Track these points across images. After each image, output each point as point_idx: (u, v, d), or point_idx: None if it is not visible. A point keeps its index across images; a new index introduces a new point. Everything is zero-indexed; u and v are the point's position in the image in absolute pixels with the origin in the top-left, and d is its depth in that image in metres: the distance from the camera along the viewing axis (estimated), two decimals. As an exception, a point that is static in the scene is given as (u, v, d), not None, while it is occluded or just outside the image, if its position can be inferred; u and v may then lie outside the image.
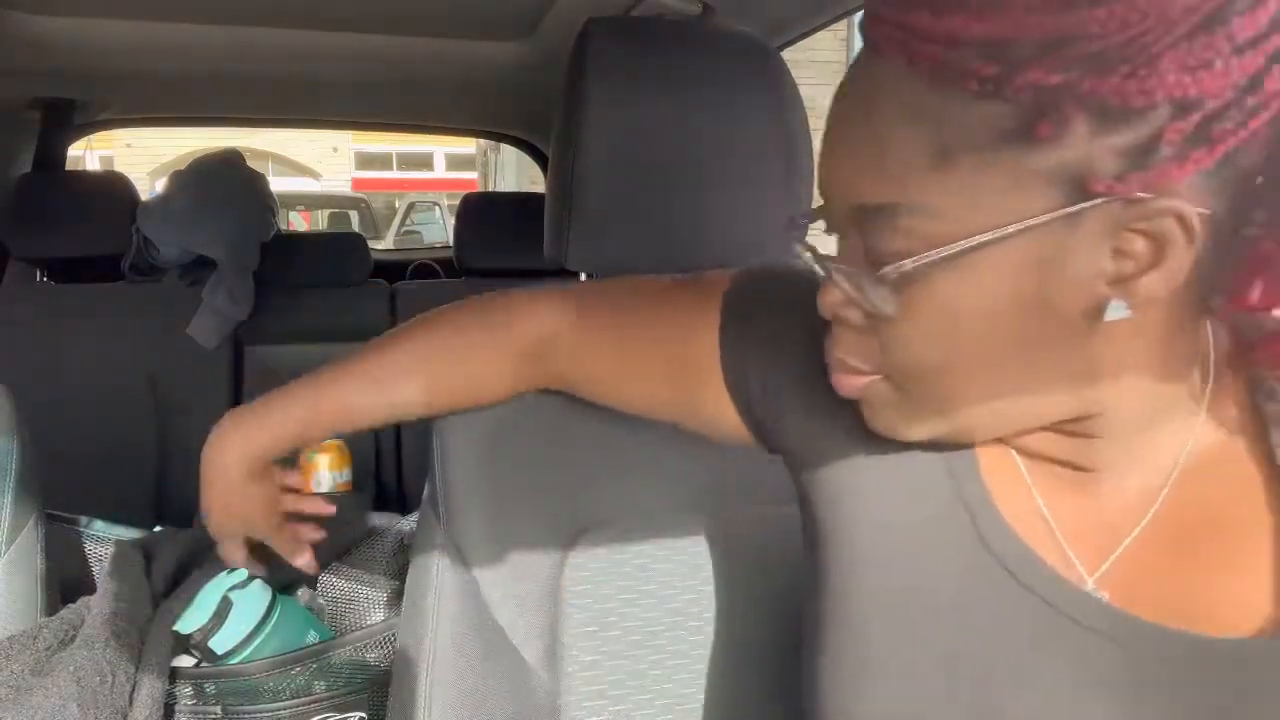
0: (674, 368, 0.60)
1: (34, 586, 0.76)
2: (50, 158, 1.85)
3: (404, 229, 8.70)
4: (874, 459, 0.51)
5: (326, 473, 1.57)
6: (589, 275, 0.80)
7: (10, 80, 1.60)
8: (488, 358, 0.66)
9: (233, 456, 0.66)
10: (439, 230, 8.30)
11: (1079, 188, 0.37)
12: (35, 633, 0.70)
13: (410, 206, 9.56)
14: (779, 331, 0.56)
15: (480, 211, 2.00)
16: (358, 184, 14.67)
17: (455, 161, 15.67)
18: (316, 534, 0.76)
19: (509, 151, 7.97)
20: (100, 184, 1.80)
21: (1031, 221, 0.38)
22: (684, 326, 0.60)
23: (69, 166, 2.00)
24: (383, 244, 7.15)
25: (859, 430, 0.49)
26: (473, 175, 14.11)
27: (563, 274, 0.81)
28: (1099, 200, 0.37)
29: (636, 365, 0.62)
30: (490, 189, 9.43)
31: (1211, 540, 0.44)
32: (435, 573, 0.68)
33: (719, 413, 0.59)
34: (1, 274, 1.81)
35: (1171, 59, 0.34)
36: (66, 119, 1.86)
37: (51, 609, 0.78)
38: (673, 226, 0.75)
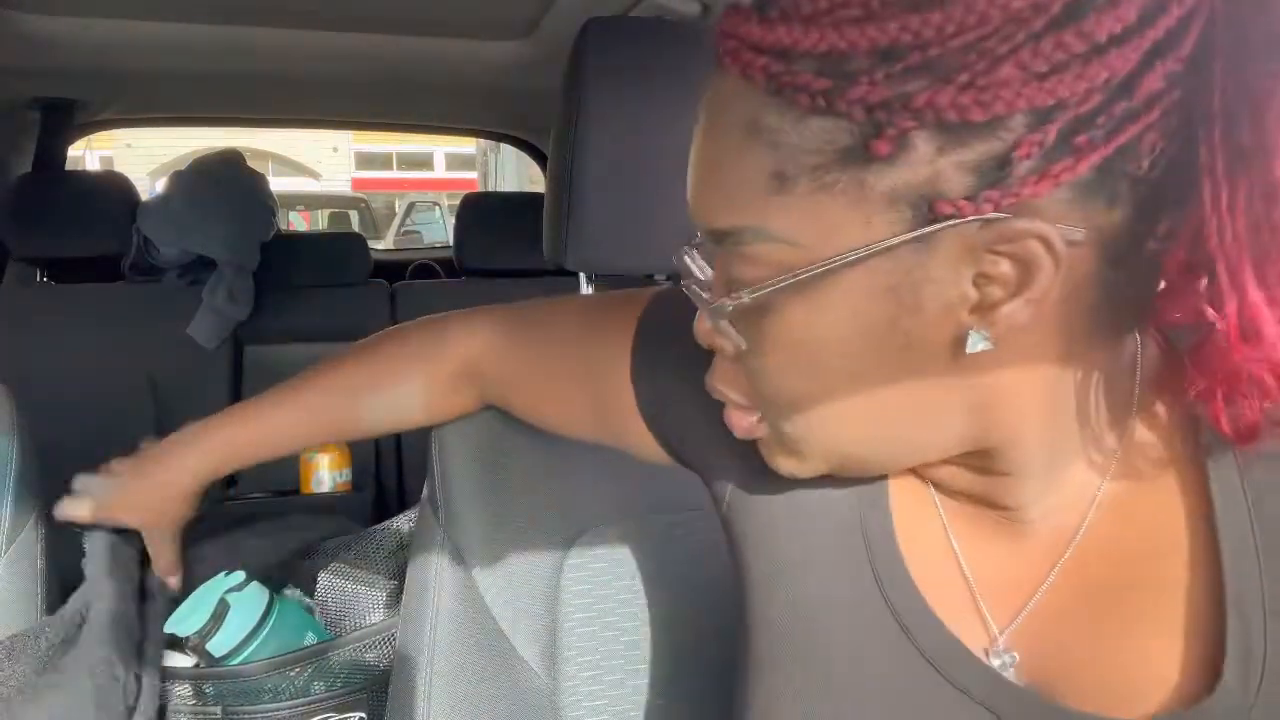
0: (592, 398, 0.59)
1: (34, 586, 0.76)
2: (50, 158, 1.85)
3: (404, 229, 8.70)
4: (782, 490, 0.48)
5: (326, 473, 1.58)
6: (588, 275, 0.80)
7: (10, 80, 1.60)
8: (417, 381, 0.66)
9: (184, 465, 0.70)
10: (439, 230, 8.30)
11: (927, 209, 0.33)
12: (38, 632, 0.70)
13: (410, 206, 9.56)
14: (689, 359, 0.51)
15: (480, 211, 2.00)
16: (358, 184, 14.68)
17: (455, 161, 15.67)
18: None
19: (509, 151, 7.97)
20: (100, 184, 1.80)
21: (876, 246, 0.34)
22: (600, 359, 0.58)
23: (69, 166, 2.00)
24: (383, 244, 7.15)
25: (763, 468, 0.46)
26: (473, 175, 14.10)
27: (562, 274, 0.81)
28: (949, 222, 0.33)
29: (557, 394, 0.62)
30: (490, 189, 9.42)
31: (1126, 592, 0.40)
32: (434, 573, 0.68)
33: (641, 441, 0.57)
34: (1, 274, 1.81)
35: (1015, 65, 0.31)
36: (66, 119, 1.86)
37: (51, 609, 0.78)
38: (672, 227, 0.75)
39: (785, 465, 0.44)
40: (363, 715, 0.78)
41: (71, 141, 2.01)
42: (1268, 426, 0.36)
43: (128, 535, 0.74)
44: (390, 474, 1.83)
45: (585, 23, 0.74)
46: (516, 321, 0.65)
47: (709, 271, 0.42)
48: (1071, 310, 0.36)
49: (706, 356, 0.48)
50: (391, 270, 2.23)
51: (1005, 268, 0.34)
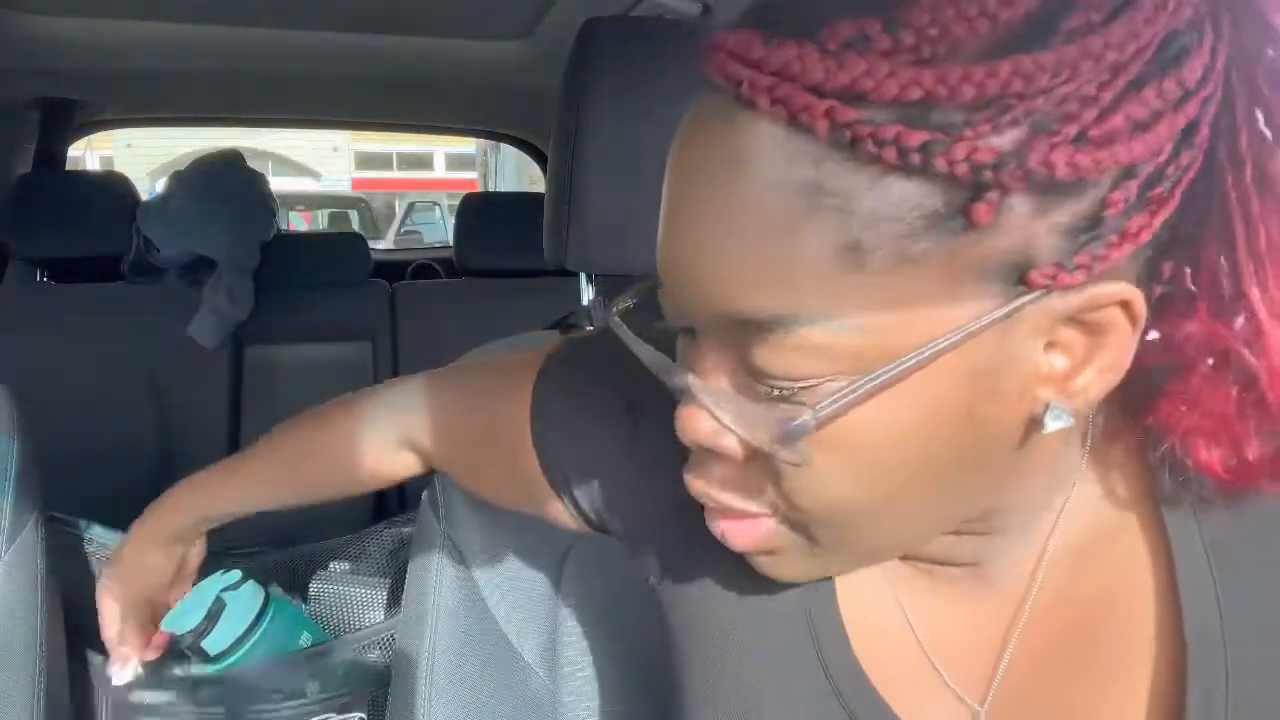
0: (508, 470, 0.55)
1: (34, 587, 0.76)
2: (50, 158, 1.85)
3: (404, 229, 8.70)
4: (719, 564, 0.42)
5: (326, 473, 1.57)
6: (589, 275, 0.80)
7: (10, 80, 1.60)
8: (365, 451, 0.66)
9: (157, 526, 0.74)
10: (439, 230, 8.30)
11: (1017, 279, 0.29)
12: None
13: (410, 206, 9.57)
14: (591, 417, 0.48)
15: (480, 211, 2.00)
16: (358, 184, 14.67)
17: (455, 161, 15.66)
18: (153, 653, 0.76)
19: (509, 151, 7.96)
20: (100, 184, 1.80)
21: (970, 327, 0.29)
22: (503, 429, 0.54)
23: (69, 166, 2.00)
24: (383, 244, 7.14)
25: (698, 536, 0.39)
26: (473, 175, 14.09)
27: (562, 274, 0.81)
28: (1041, 293, 0.30)
29: (479, 467, 0.61)
30: (490, 189, 9.42)
31: (1091, 648, 0.38)
32: (435, 573, 0.68)
33: (558, 513, 0.53)
34: (1, 274, 1.81)
35: (1123, 116, 0.28)
36: (66, 119, 1.86)
37: (52, 610, 0.78)
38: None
39: (791, 571, 0.38)
40: (363, 715, 0.78)
41: (71, 141, 2.00)
42: (1265, 464, 0.34)
43: None
44: (390, 474, 1.82)
45: (585, 23, 0.74)
46: (440, 392, 0.63)
47: (708, 361, 0.34)
48: None
49: (611, 421, 0.44)
50: (391, 270, 2.23)
51: (1074, 334, 0.31)
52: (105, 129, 2.14)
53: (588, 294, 0.81)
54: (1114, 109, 0.28)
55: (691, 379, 0.33)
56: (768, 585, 0.40)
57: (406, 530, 1.03)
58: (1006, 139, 0.27)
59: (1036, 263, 0.29)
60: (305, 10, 1.33)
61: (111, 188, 1.78)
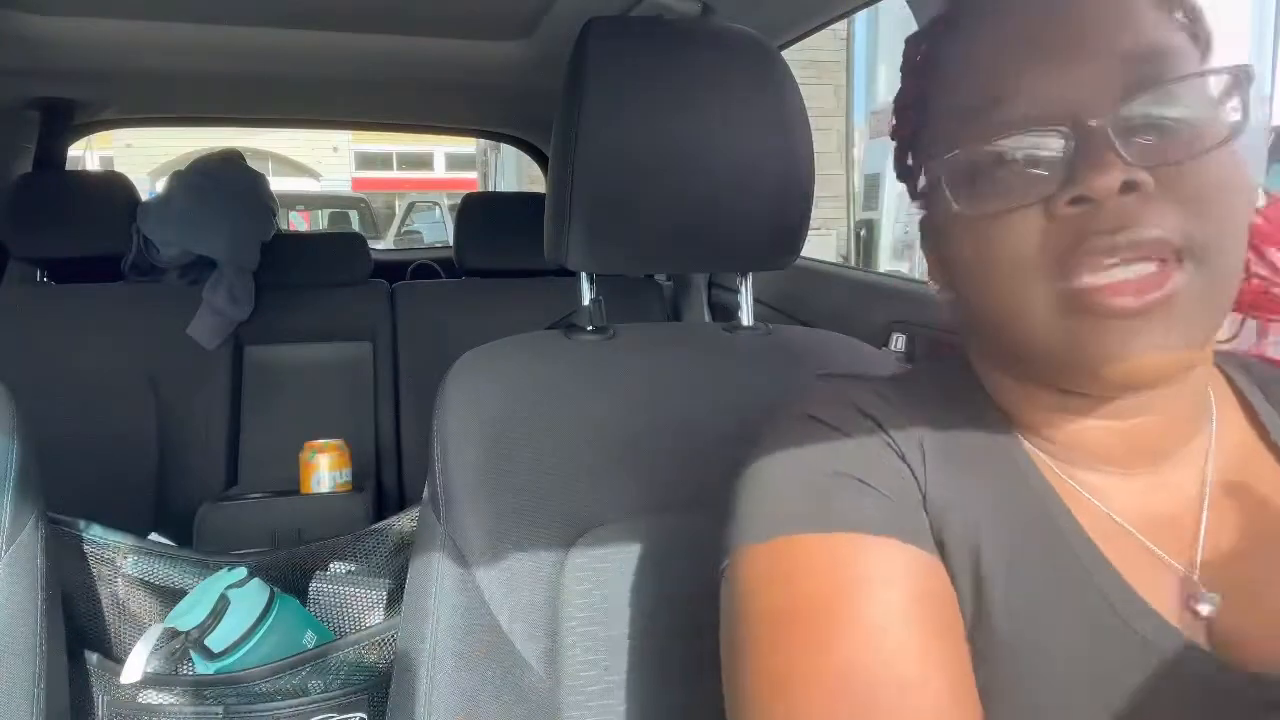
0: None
1: (34, 587, 0.76)
2: (50, 158, 1.85)
3: (404, 229, 8.70)
4: (962, 474, 0.47)
5: (326, 473, 1.58)
6: (589, 275, 0.80)
7: (10, 80, 1.60)
8: None
9: None
10: (439, 230, 8.31)
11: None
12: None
13: (410, 206, 9.57)
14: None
15: (480, 211, 2.00)
16: (358, 184, 14.68)
17: (455, 161, 15.67)
18: None
19: (509, 151, 7.97)
20: (100, 184, 1.80)
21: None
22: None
23: (69, 166, 2.01)
24: (383, 244, 7.15)
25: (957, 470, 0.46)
26: (473, 175, 14.10)
27: (563, 274, 0.81)
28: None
29: None
30: (490, 189, 9.42)
31: (1268, 529, 0.44)
32: (435, 573, 0.68)
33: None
34: (1, 274, 1.81)
35: None
36: (66, 119, 1.87)
37: (51, 609, 0.78)
38: (673, 226, 0.75)
39: (1195, 337, 0.41)
40: (363, 715, 0.78)
41: (71, 141, 2.01)
42: None
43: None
44: (390, 474, 1.83)
45: (585, 23, 0.74)
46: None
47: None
48: None
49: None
50: (391, 270, 2.23)
51: None
52: (105, 129, 2.14)
53: (588, 294, 0.81)
54: None
55: (1095, 123, 0.40)
56: (1008, 495, 0.46)
57: (407, 530, 1.03)
58: None
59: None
60: (305, 10, 1.33)
61: (111, 188, 1.78)
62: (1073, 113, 0.41)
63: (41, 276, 1.83)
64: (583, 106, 0.71)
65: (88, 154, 8.04)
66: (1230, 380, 0.50)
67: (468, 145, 12.86)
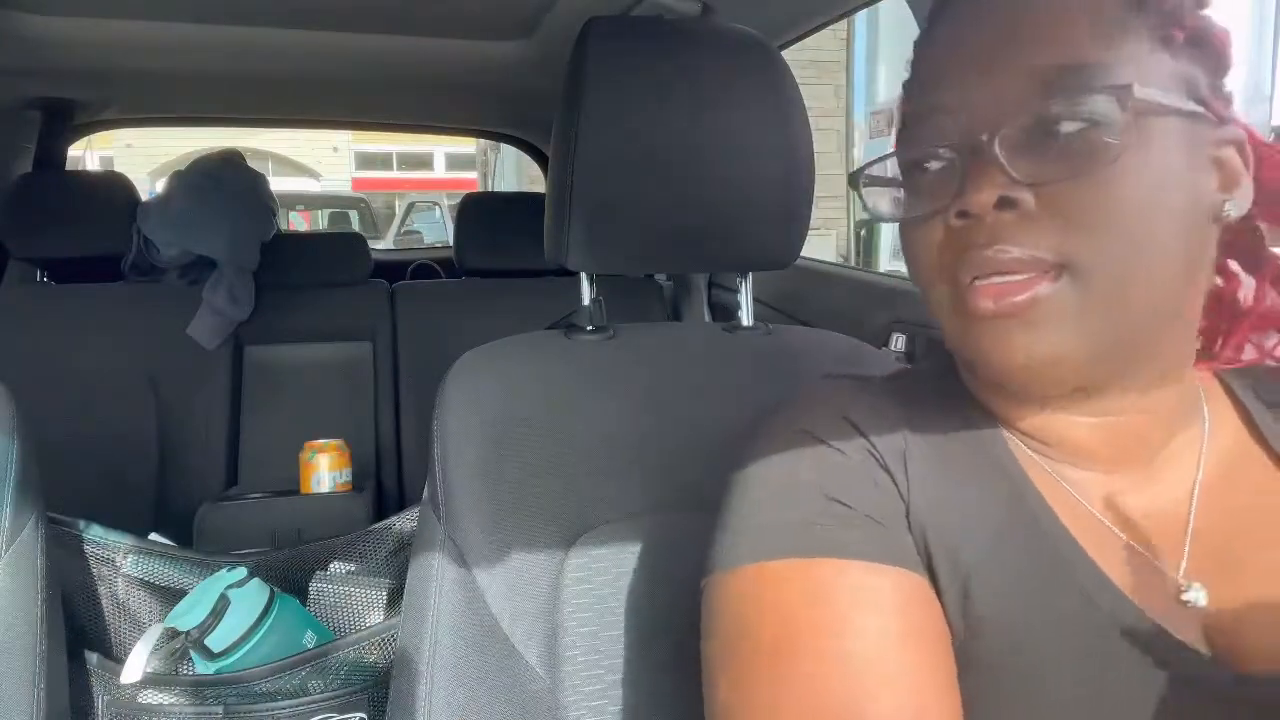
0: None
1: (34, 587, 0.76)
2: (50, 158, 1.85)
3: (404, 229, 8.70)
4: (947, 479, 0.48)
5: (326, 473, 1.58)
6: (589, 275, 0.80)
7: (10, 80, 1.60)
8: None
9: None
10: (439, 230, 8.30)
11: (1195, 97, 0.42)
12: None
13: (410, 206, 9.57)
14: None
15: (480, 211, 2.00)
16: (358, 184, 14.68)
17: (455, 161, 15.67)
18: None
19: (509, 151, 7.98)
20: (100, 184, 1.80)
21: (1187, 105, 0.41)
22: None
23: (69, 166, 2.01)
24: (383, 244, 7.15)
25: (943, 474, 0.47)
26: (473, 175, 14.10)
27: (563, 274, 0.81)
28: (1206, 111, 0.42)
29: None
30: (490, 189, 9.43)
31: (1255, 535, 0.44)
32: (435, 573, 0.68)
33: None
34: (1, 274, 1.81)
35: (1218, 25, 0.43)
36: (66, 119, 1.87)
37: (51, 609, 0.78)
38: (673, 226, 0.75)
39: (1047, 342, 0.42)
40: (363, 715, 0.78)
41: (71, 141, 2.01)
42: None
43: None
44: (390, 474, 1.83)
45: (585, 23, 0.74)
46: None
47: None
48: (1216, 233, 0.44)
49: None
50: (391, 270, 2.23)
51: (1218, 164, 0.43)
52: (105, 129, 2.14)
53: (588, 294, 0.81)
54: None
55: (985, 139, 0.41)
56: (989, 496, 0.47)
57: (407, 530, 1.03)
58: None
59: (1202, 89, 0.42)
60: (305, 10, 1.33)
61: (111, 188, 1.78)
62: (969, 128, 0.42)
63: (41, 276, 1.83)
64: (583, 106, 0.71)
65: (88, 154, 8.04)
66: (1227, 386, 0.50)
67: (468, 145, 12.86)
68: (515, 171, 9.08)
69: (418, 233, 8.48)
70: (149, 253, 1.75)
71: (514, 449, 0.70)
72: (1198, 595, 0.43)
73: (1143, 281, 0.41)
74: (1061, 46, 0.41)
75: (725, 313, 1.82)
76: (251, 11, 1.34)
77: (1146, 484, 0.47)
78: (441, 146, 15.28)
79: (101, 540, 0.94)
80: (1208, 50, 0.43)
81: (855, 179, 0.49)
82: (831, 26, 1.29)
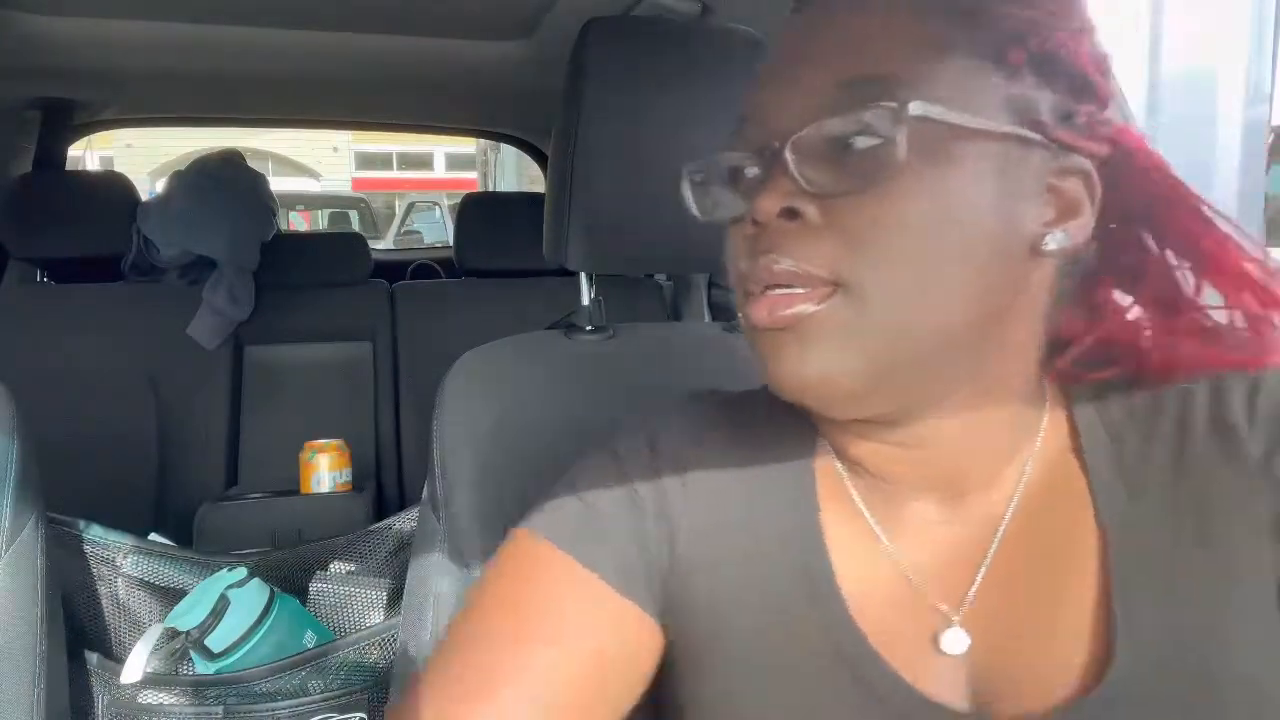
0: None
1: (34, 587, 0.76)
2: (50, 158, 1.85)
3: (404, 229, 8.70)
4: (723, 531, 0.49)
5: (326, 473, 1.58)
6: (589, 275, 0.80)
7: (10, 80, 1.60)
8: None
9: None
10: (439, 230, 8.30)
11: (1029, 122, 0.40)
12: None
13: (410, 206, 9.57)
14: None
15: (480, 211, 2.00)
16: (358, 184, 14.68)
17: (455, 161, 15.66)
18: None
19: (509, 151, 7.97)
20: (100, 184, 1.80)
21: (1010, 128, 0.39)
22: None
23: (69, 166, 2.00)
24: (383, 244, 7.15)
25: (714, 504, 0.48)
26: (473, 175, 14.08)
27: (563, 274, 0.81)
28: (1041, 137, 0.40)
29: None
30: (490, 189, 9.43)
31: (1055, 563, 0.43)
32: (435, 573, 0.68)
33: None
34: (1, 274, 1.81)
35: (1090, 49, 0.41)
36: (66, 119, 1.86)
37: (51, 609, 0.78)
38: (672, 226, 0.75)
39: (815, 359, 0.41)
40: (363, 715, 0.78)
41: (71, 141, 2.00)
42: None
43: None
44: (390, 474, 1.83)
45: (585, 23, 0.74)
46: None
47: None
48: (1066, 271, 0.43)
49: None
50: (391, 270, 2.23)
51: (1057, 193, 0.41)
52: (105, 129, 2.14)
53: (587, 294, 0.81)
54: (1083, 37, 0.41)
55: (777, 145, 0.40)
56: (768, 548, 0.47)
57: (407, 530, 1.03)
58: (1033, 12, 0.40)
59: (1040, 115, 0.40)
60: (305, 10, 1.33)
61: (111, 188, 1.78)
62: (767, 137, 0.42)
63: (41, 276, 1.83)
64: (583, 106, 0.71)
65: (88, 154, 8.03)
66: (1069, 409, 0.46)
67: (468, 145, 12.85)
68: (515, 171, 9.07)
69: (418, 233, 8.48)
70: (149, 253, 1.75)
71: (513, 448, 0.70)
72: (955, 640, 0.43)
73: (925, 306, 0.39)
74: (858, 60, 0.40)
75: (725, 313, 1.82)
76: (251, 11, 1.34)
77: (960, 515, 0.45)
78: (441, 146, 15.27)
79: (101, 540, 0.94)
80: (1061, 76, 0.41)
81: (679, 176, 0.49)
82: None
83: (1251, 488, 0.40)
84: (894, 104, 0.38)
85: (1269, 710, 0.38)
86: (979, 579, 0.44)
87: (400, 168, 16.06)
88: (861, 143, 0.39)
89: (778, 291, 0.40)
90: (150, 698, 0.85)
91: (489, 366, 0.73)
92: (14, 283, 1.83)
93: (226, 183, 1.81)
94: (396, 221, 9.07)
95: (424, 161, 16.04)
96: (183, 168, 1.84)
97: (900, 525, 0.46)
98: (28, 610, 0.75)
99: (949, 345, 0.41)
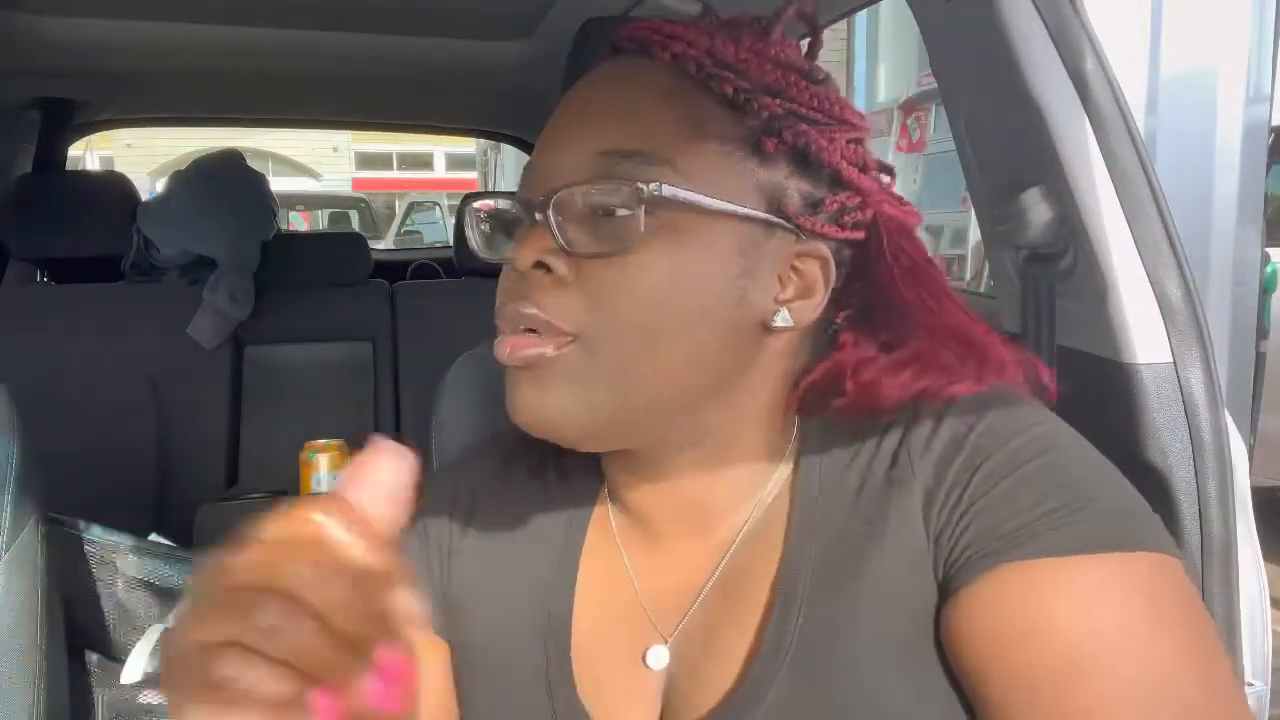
0: None
1: (34, 587, 0.76)
2: (50, 158, 1.85)
3: (404, 229, 8.71)
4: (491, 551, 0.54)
5: (326, 473, 1.57)
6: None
7: (10, 80, 1.60)
8: None
9: None
10: (439, 230, 8.30)
11: (776, 209, 0.44)
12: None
13: (410, 206, 9.58)
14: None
15: (480, 211, 2.00)
16: (358, 184, 14.69)
17: (455, 161, 15.68)
18: None
19: (509, 151, 7.97)
20: (100, 184, 1.80)
21: (754, 212, 0.43)
22: None
23: (69, 166, 2.01)
24: (383, 244, 7.15)
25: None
26: (473, 175, 14.11)
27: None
28: (786, 223, 0.44)
29: None
30: (490, 189, 9.43)
31: (742, 602, 0.47)
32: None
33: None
34: (1, 274, 1.81)
35: (845, 146, 0.45)
36: (66, 119, 1.87)
37: (51, 609, 0.78)
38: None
39: (551, 402, 0.44)
40: (363, 715, 0.78)
41: (71, 141, 2.01)
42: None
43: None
44: (390, 474, 1.82)
45: (585, 23, 0.74)
46: None
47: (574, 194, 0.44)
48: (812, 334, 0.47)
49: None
50: (391, 270, 2.23)
51: (796, 275, 0.45)
52: (105, 129, 2.15)
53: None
54: (837, 136, 0.45)
55: (540, 200, 0.43)
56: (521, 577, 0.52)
57: (406, 530, 1.03)
58: (789, 107, 0.44)
59: (789, 202, 0.44)
60: (306, 10, 1.33)
61: (111, 188, 1.78)
62: (535, 193, 0.44)
63: (41, 276, 1.83)
64: (582, 106, 0.71)
65: (88, 154, 8.04)
66: (799, 457, 0.49)
67: (468, 145, 12.87)
68: (515, 171, 9.08)
69: (418, 233, 8.48)
70: (149, 253, 1.75)
71: (513, 448, 0.70)
72: (657, 656, 0.48)
73: (649, 366, 0.43)
74: (619, 133, 0.43)
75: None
76: (251, 11, 1.34)
77: (702, 549, 0.49)
78: (441, 146, 15.28)
79: (101, 540, 0.94)
80: (812, 167, 0.44)
81: (463, 207, 0.52)
82: (831, 26, 1.29)
83: (909, 519, 0.43)
84: (638, 182, 0.41)
85: None
86: (694, 606, 0.48)
87: (400, 168, 16.07)
88: (611, 211, 0.42)
89: (523, 334, 0.44)
90: (150, 698, 0.85)
91: (488, 366, 0.73)
92: (14, 283, 1.83)
93: (226, 183, 1.81)
94: (396, 221, 9.08)
95: (424, 161, 16.05)
96: (183, 168, 1.84)
97: (652, 559, 0.50)
98: (28, 610, 0.75)
99: (675, 402, 0.45)
